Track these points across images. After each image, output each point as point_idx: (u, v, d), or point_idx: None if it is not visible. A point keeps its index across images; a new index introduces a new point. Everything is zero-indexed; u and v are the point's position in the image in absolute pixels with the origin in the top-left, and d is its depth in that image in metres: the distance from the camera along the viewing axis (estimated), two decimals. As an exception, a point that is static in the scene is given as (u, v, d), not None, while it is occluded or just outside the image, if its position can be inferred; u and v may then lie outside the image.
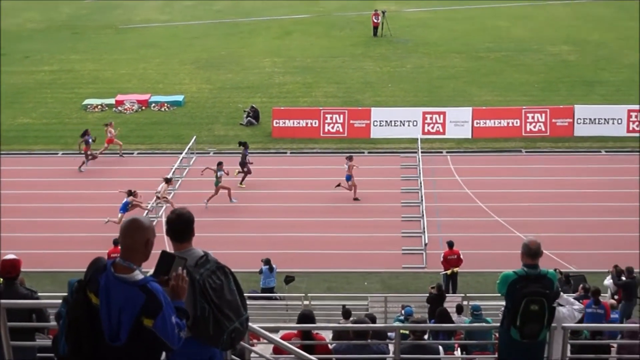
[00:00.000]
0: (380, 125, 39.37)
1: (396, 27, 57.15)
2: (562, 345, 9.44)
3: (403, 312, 18.38)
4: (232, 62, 51.92)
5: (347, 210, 31.86)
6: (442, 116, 39.37)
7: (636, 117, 38.89)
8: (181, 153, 36.29)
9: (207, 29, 61.45)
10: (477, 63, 50.84)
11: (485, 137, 38.86)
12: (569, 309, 9.80)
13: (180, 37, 59.17)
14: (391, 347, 10.71)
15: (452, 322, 17.59)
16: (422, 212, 30.75)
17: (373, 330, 11.42)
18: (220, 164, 32.13)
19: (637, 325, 14.53)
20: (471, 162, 36.25)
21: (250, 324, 7.32)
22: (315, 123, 39.57)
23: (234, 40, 57.61)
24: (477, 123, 39.25)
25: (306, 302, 23.37)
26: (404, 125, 39.36)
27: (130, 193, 30.12)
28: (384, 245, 29.48)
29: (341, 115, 39.68)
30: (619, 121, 38.92)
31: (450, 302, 21.00)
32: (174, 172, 34.08)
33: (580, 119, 39.09)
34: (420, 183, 33.01)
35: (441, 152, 37.58)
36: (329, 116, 39.69)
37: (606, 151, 37.54)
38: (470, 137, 38.90)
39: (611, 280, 22.58)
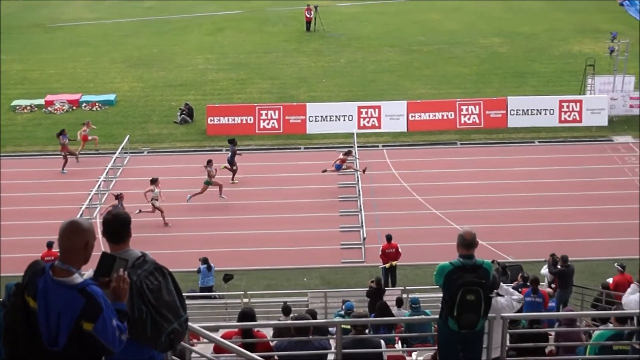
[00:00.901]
0: (315, 121, 39.45)
1: (329, 21, 57.30)
2: (502, 335, 9.58)
3: (344, 307, 18.46)
4: (164, 59, 51.50)
5: (284, 206, 31.87)
6: (377, 110, 39.61)
7: (568, 107, 39.66)
8: (114, 153, 35.91)
9: (138, 26, 60.83)
10: (410, 56, 51.24)
11: (420, 130, 39.21)
12: (507, 299, 9.94)
13: (111, 35, 58.40)
14: (333, 343, 10.76)
15: (392, 315, 17.75)
16: (360, 206, 30.90)
17: (314, 326, 11.45)
18: (210, 162, 31.98)
19: (574, 312, 14.87)
20: (407, 156, 36.53)
21: (190, 323, 7.30)
22: (250, 120, 39.51)
23: (166, 38, 57.13)
24: (412, 116, 39.58)
25: (246, 300, 23.35)
26: (339, 120, 39.52)
27: (116, 197, 29.65)
28: (323, 240, 29.57)
29: (276, 111, 39.66)
30: (551, 112, 39.61)
31: (390, 296, 21.18)
32: (107, 172, 33.74)
33: (513, 110, 39.69)
34: (358, 177, 33.18)
35: (377, 146, 37.81)
36: (264, 112, 39.64)
37: (539, 141, 38.17)
38: (405, 130, 39.21)
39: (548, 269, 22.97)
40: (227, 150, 34.52)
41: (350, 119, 39.41)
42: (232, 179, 33.68)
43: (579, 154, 36.24)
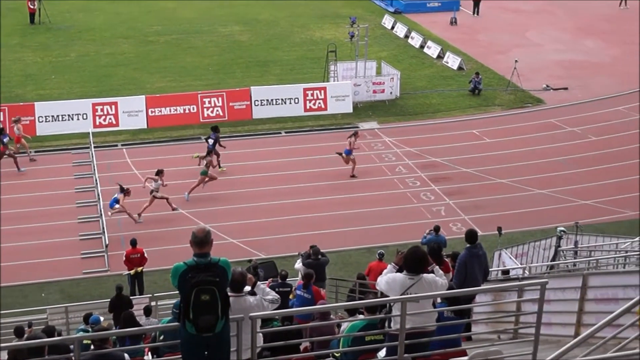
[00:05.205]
0: (46, 121, 38.18)
1: (55, 12, 55.62)
2: (252, 336, 9.63)
3: (89, 320, 18.06)
4: None
5: (19, 216, 30.61)
6: (113, 107, 38.94)
7: (312, 95, 40.83)
8: None
9: None
10: (146, 48, 50.79)
11: (161, 125, 38.97)
12: (258, 298, 10.05)
13: None
14: (73, 361, 10.47)
15: (139, 325, 17.49)
16: (100, 211, 30.27)
17: (50, 345, 11.09)
18: (209, 152, 33.12)
19: (327, 306, 15.32)
20: (149, 154, 36.16)
21: None
22: (-30, 124, 37.64)
23: None
24: (152, 112, 39.26)
25: (-24, 324, 22.32)
26: (73, 119, 38.51)
27: (122, 190, 29.36)
28: (61, 251, 28.82)
29: (0, 113, 37.98)
30: (296, 100, 40.64)
31: (138, 305, 20.94)
32: None
33: (257, 100, 40.35)
34: (96, 180, 32.52)
35: (116, 146, 37.20)
36: (-15, 115, 37.91)
37: (286, 132, 39.04)
38: (145, 127, 38.81)
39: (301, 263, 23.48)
40: (205, 138, 34.53)
41: (85, 117, 38.47)
42: (219, 166, 34.36)
43: (326, 143, 37.31)
